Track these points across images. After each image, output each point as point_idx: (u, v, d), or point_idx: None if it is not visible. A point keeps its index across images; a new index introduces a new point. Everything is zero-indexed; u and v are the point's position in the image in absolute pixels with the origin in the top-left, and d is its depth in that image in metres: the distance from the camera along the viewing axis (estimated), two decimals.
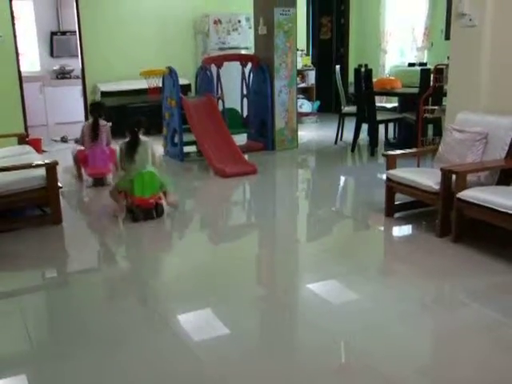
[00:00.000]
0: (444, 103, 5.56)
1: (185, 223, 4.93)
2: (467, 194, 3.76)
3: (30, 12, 10.23)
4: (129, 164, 4.74)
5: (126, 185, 4.70)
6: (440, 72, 5.86)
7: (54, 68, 10.60)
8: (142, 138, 4.86)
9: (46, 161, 4.64)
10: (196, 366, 2.54)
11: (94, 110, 6.21)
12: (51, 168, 4.51)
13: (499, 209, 3.51)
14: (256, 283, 3.62)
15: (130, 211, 4.69)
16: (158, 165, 5.08)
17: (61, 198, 4.72)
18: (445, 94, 5.27)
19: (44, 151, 7.58)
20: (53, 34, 10.52)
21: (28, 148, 5.71)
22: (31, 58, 10.50)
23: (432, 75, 6.20)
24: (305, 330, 2.95)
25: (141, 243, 4.30)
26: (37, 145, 6.94)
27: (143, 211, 4.64)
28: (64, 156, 7.38)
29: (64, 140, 8.71)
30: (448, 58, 5.10)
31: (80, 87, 9.17)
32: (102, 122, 6.10)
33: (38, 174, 4.51)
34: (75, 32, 8.99)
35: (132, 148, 4.76)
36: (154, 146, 5.06)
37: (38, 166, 4.56)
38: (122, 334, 2.84)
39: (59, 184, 4.62)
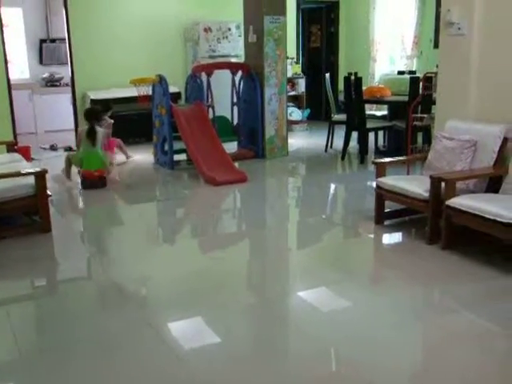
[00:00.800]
0: (433, 111, 5.59)
1: (175, 231, 4.92)
2: (456, 202, 3.78)
3: (19, 19, 10.24)
4: (84, 145, 6.09)
5: (77, 161, 6.16)
6: (429, 80, 5.90)
7: (44, 76, 10.59)
8: (97, 128, 6.19)
9: (35, 169, 4.61)
10: (187, 374, 2.53)
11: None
12: (40, 176, 4.48)
13: (488, 216, 3.53)
14: (246, 291, 3.61)
15: (82, 181, 6.05)
16: (103, 148, 6.29)
17: (50, 206, 4.70)
18: (434, 102, 5.30)
19: (33, 159, 7.53)
20: (42, 41, 10.52)
21: (17, 156, 5.68)
22: (20, 65, 10.48)
23: (421, 83, 6.23)
24: (295, 337, 2.95)
25: (131, 251, 4.27)
26: (26, 153, 6.91)
27: (90, 181, 5.96)
28: (53, 164, 7.35)
29: (53, 148, 8.66)
30: (437, 66, 5.14)
31: (69, 95, 9.14)
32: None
33: (26, 182, 4.48)
34: (65, 39, 8.98)
35: (89, 135, 6.07)
36: (103, 133, 6.31)
37: (26, 174, 4.53)
38: (112, 343, 2.82)
39: (48, 192, 4.59)
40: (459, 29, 4.49)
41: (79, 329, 3.00)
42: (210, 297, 3.39)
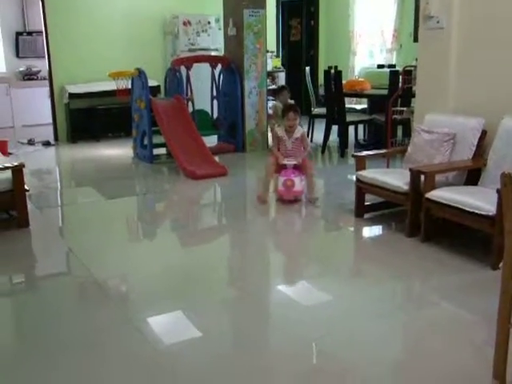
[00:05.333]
0: (413, 104, 5.62)
1: (155, 225, 4.89)
2: (435, 194, 3.80)
3: None
4: None
5: None
6: (408, 74, 5.92)
7: (20, 69, 10.44)
8: None
9: (12, 163, 4.54)
10: (168, 369, 2.51)
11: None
12: (17, 171, 4.41)
13: (467, 208, 3.56)
14: (227, 285, 3.59)
15: None
16: None
17: (28, 201, 4.63)
18: (413, 96, 5.32)
19: (10, 154, 7.42)
20: (18, 34, 10.35)
21: None
22: None
23: (401, 77, 6.26)
24: (276, 331, 2.94)
25: (110, 246, 4.23)
26: (3, 147, 6.81)
27: None
28: (31, 159, 7.26)
29: (31, 143, 8.55)
30: (416, 59, 5.15)
31: (47, 89, 9.01)
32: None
33: (3, 176, 4.40)
34: (41, 32, 8.83)
35: None
36: None
37: (3, 168, 4.46)
38: (92, 339, 2.79)
39: (26, 187, 4.52)
40: (438, 22, 4.50)
41: (59, 326, 2.96)
42: (190, 291, 3.37)
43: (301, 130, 5.23)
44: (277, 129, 5.28)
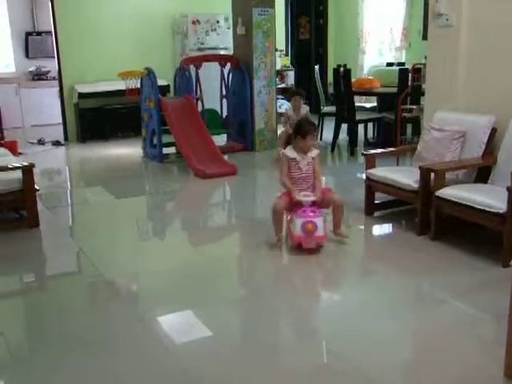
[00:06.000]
0: (422, 102, 5.60)
1: (164, 224, 4.90)
2: (446, 192, 3.78)
3: (3, 12, 10.10)
4: None
5: None
6: (418, 71, 5.90)
7: (30, 69, 10.49)
8: None
9: (23, 163, 4.56)
10: (178, 368, 2.51)
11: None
12: (28, 170, 4.43)
13: (477, 206, 3.54)
14: (237, 284, 3.60)
15: None
16: None
17: (38, 200, 4.65)
18: (423, 94, 5.31)
19: (20, 154, 7.46)
20: (28, 34, 10.40)
21: (3, 150, 5.62)
22: (6, 59, 10.37)
23: (410, 75, 6.24)
24: (287, 331, 2.94)
25: (121, 245, 4.24)
26: (13, 147, 6.83)
27: None
28: (41, 158, 7.31)
29: (41, 142, 8.59)
30: (425, 57, 5.13)
31: (57, 89, 9.05)
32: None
33: (14, 176, 4.43)
34: (51, 32, 8.88)
35: None
36: None
37: (14, 168, 4.48)
38: (103, 338, 2.80)
39: (36, 187, 4.55)
40: (447, 20, 4.48)
41: (70, 324, 2.97)
42: (201, 290, 3.37)
43: (317, 147, 4.18)
44: (286, 151, 4.03)
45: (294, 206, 3.88)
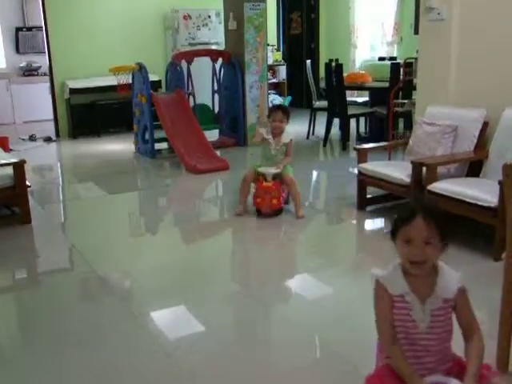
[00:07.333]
0: (414, 97, 5.60)
1: (157, 220, 4.89)
2: (437, 186, 3.80)
3: None
4: None
5: None
6: (409, 66, 5.91)
7: (21, 65, 10.43)
8: None
9: (14, 159, 4.54)
10: (171, 364, 2.52)
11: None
12: (19, 167, 4.41)
13: (469, 200, 3.55)
14: (229, 279, 3.60)
15: None
16: None
17: (30, 197, 4.63)
18: (415, 88, 5.31)
19: (11, 150, 7.43)
20: (18, 29, 10.33)
21: None
22: None
23: (402, 69, 6.25)
24: (279, 325, 2.94)
25: (113, 241, 4.23)
26: (4, 143, 6.81)
27: None
28: (33, 155, 7.27)
29: (32, 139, 8.55)
30: (417, 51, 5.14)
31: (48, 84, 9.00)
32: None
33: (5, 173, 4.41)
34: (41, 28, 8.82)
35: None
36: None
37: (5, 164, 4.46)
38: (96, 335, 2.80)
39: (28, 183, 4.53)
40: (439, 14, 4.48)
41: (62, 321, 2.97)
42: (193, 286, 3.37)
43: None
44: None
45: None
